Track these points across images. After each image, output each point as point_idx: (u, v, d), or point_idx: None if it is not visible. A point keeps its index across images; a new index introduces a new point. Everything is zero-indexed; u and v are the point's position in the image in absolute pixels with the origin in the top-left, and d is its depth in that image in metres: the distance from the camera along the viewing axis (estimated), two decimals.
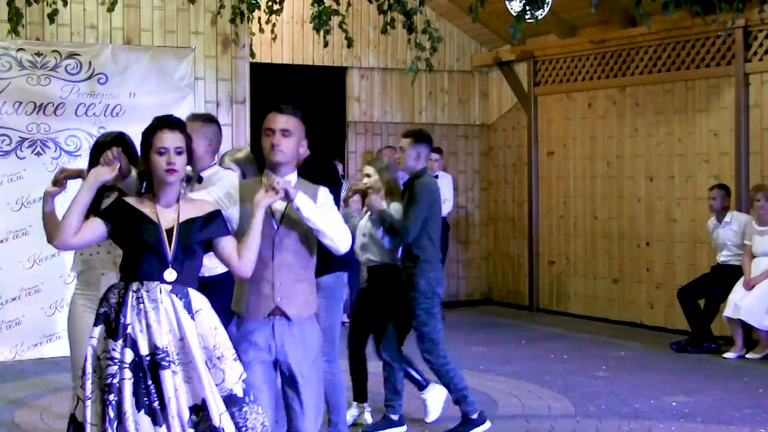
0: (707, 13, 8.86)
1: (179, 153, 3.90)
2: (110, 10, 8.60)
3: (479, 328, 10.81)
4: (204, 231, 3.97)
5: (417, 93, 12.13)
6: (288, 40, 11.41)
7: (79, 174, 4.72)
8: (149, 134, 3.93)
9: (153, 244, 3.86)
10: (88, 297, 4.86)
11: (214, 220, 4.00)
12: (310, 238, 4.19)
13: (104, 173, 3.95)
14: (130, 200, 3.99)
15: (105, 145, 4.72)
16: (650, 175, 10.48)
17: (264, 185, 4.03)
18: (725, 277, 9.12)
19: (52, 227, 4.57)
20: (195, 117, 5.30)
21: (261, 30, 9.56)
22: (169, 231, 3.89)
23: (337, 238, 4.16)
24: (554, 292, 11.70)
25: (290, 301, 4.16)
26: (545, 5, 9.33)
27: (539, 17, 8.96)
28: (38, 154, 8.76)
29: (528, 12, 8.68)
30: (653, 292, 10.45)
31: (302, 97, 12.94)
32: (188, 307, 3.87)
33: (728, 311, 8.83)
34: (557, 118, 11.65)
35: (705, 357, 8.86)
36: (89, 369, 3.80)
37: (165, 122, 3.96)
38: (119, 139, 4.83)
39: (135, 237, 3.87)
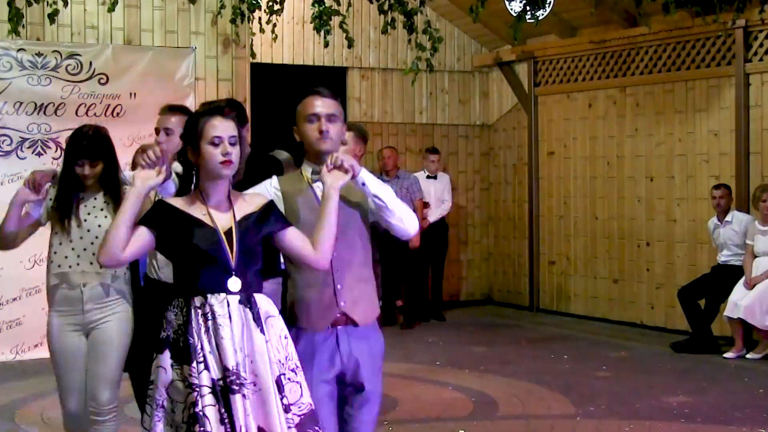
0: (707, 14, 8.87)
1: (234, 143, 3.46)
2: (111, 10, 8.62)
3: (479, 328, 10.81)
4: (263, 227, 3.51)
5: (417, 93, 12.14)
6: (288, 40, 11.41)
7: (53, 176, 4.49)
8: (198, 122, 3.48)
9: (212, 252, 3.39)
10: (70, 313, 4.50)
11: (270, 213, 3.54)
12: (366, 230, 3.76)
13: (151, 177, 3.47)
14: (174, 202, 3.50)
15: (84, 137, 4.45)
16: (650, 176, 10.48)
17: (326, 165, 3.57)
18: (726, 277, 9.12)
19: (13, 238, 4.47)
20: (173, 109, 5.11)
21: (261, 30, 9.57)
22: (227, 233, 3.43)
23: (407, 217, 3.69)
24: (555, 292, 11.70)
25: (355, 304, 3.70)
26: (546, 5, 9.34)
27: (540, 17, 8.97)
28: (39, 154, 8.77)
29: (528, 12, 8.68)
30: (653, 293, 10.45)
31: (302, 98, 12.97)
32: (257, 318, 3.41)
33: (728, 311, 8.83)
34: (557, 119, 11.65)
35: (705, 357, 8.86)
36: (160, 405, 3.34)
37: (217, 109, 3.53)
38: (98, 134, 4.51)
39: (189, 245, 3.40)
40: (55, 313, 4.54)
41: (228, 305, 3.37)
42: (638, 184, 10.62)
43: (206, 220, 3.44)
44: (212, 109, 3.54)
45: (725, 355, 8.85)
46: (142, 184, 3.44)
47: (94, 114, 8.93)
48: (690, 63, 10.08)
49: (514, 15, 8.90)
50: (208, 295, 3.36)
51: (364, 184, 3.62)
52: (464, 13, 11.07)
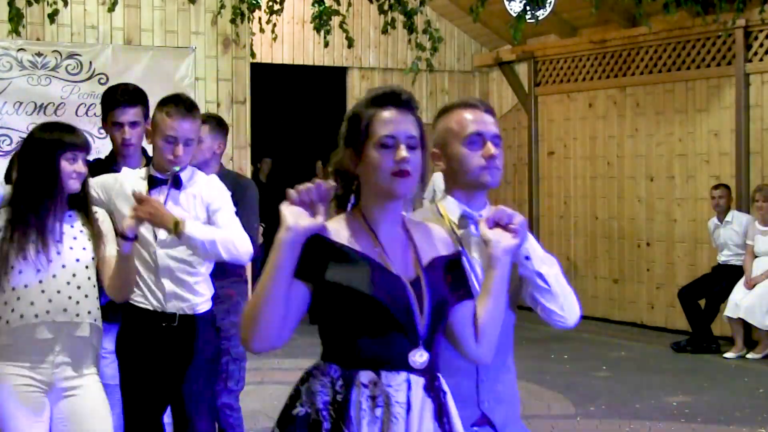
0: (708, 13, 8.87)
1: (413, 147, 2.37)
2: (111, 10, 8.62)
3: None
4: (455, 280, 2.45)
5: (417, 93, 12.12)
6: (288, 40, 11.41)
7: None
8: (363, 116, 2.39)
9: (396, 310, 2.30)
10: (30, 366, 3.35)
11: (462, 268, 2.50)
12: (513, 308, 2.97)
13: (308, 222, 2.26)
14: (332, 233, 2.34)
15: (71, 128, 3.48)
16: (651, 176, 10.48)
17: (486, 218, 2.56)
18: (726, 277, 9.12)
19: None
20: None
21: (261, 30, 9.56)
22: (414, 284, 2.35)
23: (569, 304, 2.92)
24: None
25: (498, 403, 2.87)
26: (546, 5, 9.34)
27: (540, 17, 8.97)
28: None
29: (528, 12, 8.68)
30: (654, 293, 10.45)
31: (302, 97, 12.98)
32: (444, 412, 2.39)
33: (729, 311, 8.84)
34: (558, 119, 11.64)
35: (705, 357, 8.86)
36: None
37: (391, 96, 2.40)
38: (75, 135, 3.44)
39: (362, 299, 2.29)
40: (6, 365, 3.33)
41: (409, 389, 2.32)
42: (638, 184, 10.62)
43: (383, 261, 2.35)
44: (386, 95, 2.41)
45: (725, 355, 8.85)
46: (295, 233, 2.24)
47: (95, 114, 8.92)
48: (690, 63, 10.08)
49: (514, 15, 8.90)
50: (383, 372, 2.31)
51: (528, 258, 2.76)
52: (464, 13, 11.07)
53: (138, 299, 3.82)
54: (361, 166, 2.36)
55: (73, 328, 3.36)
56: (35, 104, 8.78)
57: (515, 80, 12.13)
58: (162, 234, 3.79)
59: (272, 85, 11.48)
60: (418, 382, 2.33)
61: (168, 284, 3.81)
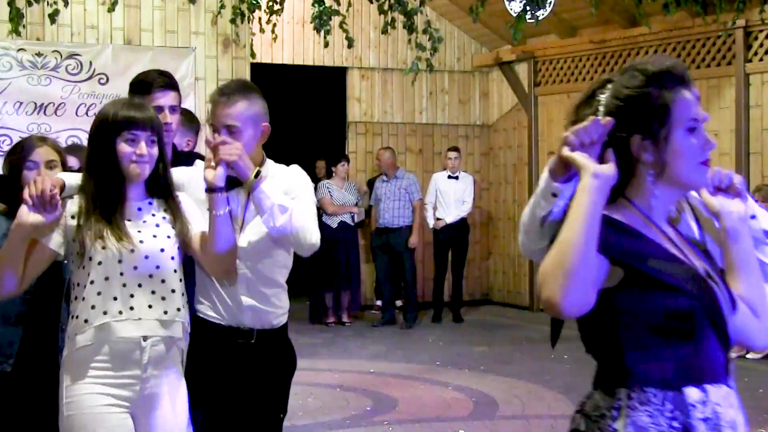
0: (708, 13, 8.87)
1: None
2: (111, 10, 8.63)
3: (479, 328, 10.81)
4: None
5: (417, 93, 12.14)
6: (288, 40, 11.42)
7: (62, 185, 2.99)
8: (659, 93, 2.03)
9: (711, 310, 2.00)
10: (118, 379, 2.92)
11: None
12: None
13: (608, 167, 2.01)
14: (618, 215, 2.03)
15: (135, 103, 3.16)
16: None
17: (703, 189, 2.22)
18: None
19: (16, 284, 2.93)
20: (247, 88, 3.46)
21: (261, 30, 9.57)
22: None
23: None
24: None
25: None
26: (546, 5, 9.34)
27: (540, 17, 8.97)
28: None
29: (528, 12, 8.68)
30: None
31: (302, 97, 12.97)
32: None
33: None
34: (558, 119, 11.64)
35: None
36: None
37: (674, 75, 2.07)
38: (135, 110, 3.08)
39: (675, 295, 1.97)
40: (91, 379, 2.90)
41: (730, 405, 2.08)
42: None
43: (679, 253, 2.03)
44: (673, 70, 2.06)
45: None
46: (604, 174, 1.95)
47: (95, 114, 8.92)
48: (690, 63, 10.08)
49: (514, 15, 8.91)
50: (709, 387, 2.01)
51: (754, 217, 2.32)
52: (464, 13, 11.07)
53: (208, 312, 3.38)
54: (667, 153, 2.04)
55: (162, 328, 2.95)
56: (35, 104, 8.78)
57: (515, 80, 12.14)
58: (242, 241, 3.31)
59: (272, 85, 11.45)
60: (733, 395, 2.05)
61: (245, 297, 3.34)
